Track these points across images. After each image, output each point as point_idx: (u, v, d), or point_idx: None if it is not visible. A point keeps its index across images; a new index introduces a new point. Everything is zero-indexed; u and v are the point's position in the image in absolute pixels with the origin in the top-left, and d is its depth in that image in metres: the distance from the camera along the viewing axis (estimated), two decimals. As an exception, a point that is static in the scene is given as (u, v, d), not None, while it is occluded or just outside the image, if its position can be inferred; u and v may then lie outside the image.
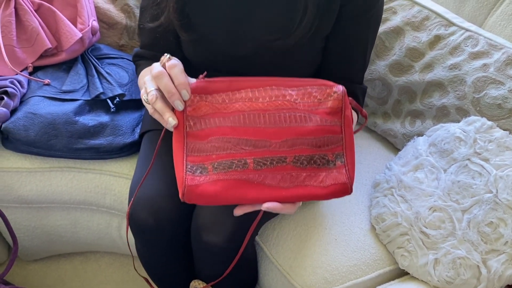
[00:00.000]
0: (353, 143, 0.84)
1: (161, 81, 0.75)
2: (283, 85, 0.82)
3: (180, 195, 0.78)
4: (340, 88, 0.83)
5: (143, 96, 0.79)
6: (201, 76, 0.80)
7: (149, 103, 0.78)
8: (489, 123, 1.05)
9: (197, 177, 0.79)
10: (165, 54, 0.78)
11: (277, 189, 0.80)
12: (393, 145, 1.30)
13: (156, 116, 0.79)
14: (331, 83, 0.83)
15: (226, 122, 0.80)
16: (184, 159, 0.79)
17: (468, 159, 1.02)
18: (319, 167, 0.82)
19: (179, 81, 0.76)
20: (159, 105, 0.77)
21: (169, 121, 0.77)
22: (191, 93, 0.78)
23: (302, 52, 0.97)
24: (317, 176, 0.82)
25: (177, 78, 0.76)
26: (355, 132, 0.89)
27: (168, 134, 0.83)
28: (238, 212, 0.80)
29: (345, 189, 0.83)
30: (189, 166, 0.79)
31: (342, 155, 0.84)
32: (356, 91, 1.04)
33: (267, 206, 0.78)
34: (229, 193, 0.78)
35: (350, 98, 0.83)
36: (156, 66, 0.77)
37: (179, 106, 0.77)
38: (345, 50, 1.00)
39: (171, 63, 0.76)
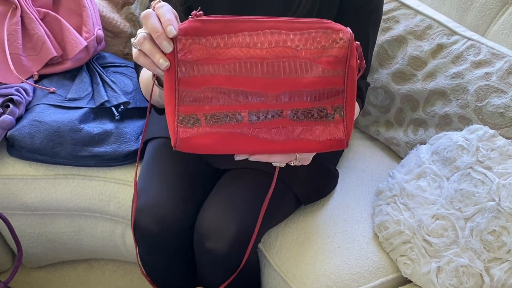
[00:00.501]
0: (355, 96, 0.78)
1: (148, 21, 0.69)
2: (284, 27, 0.74)
3: (172, 145, 0.76)
4: (347, 33, 0.74)
5: (132, 40, 0.74)
6: (194, 12, 0.73)
7: (136, 47, 0.72)
8: (492, 131, 1.06)
9: (189, 129, 0.75)
10: None
11: (271, 142, 0.76)
12: (396, 153, 1.31)
13: (141, 61, 0.72)
14: (337, 26, 0.75)
15: (221, 70, 0.73)
16: (176, 109, 0.74)
17: (471, 168, 1.02)
18: (316, 120, 0.77)
19: (165, 18, 0.69)
20: (148, 46, 0.70)
21: (160, 62, 0.70)
22: (183, 35, 0.71)
23: None
24: (313, 130, 0.77)
25: (163, 15, 0.70)
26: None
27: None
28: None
29: (341, 144, 0.79)
30: (181, 117, 0.75)
31: (342, 108, 0.77)
32: (360, 84, 1.04)
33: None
34: (222, 146, 0.76)
35: (357, 42, 0.75)
36: (146, 10, 0.72)
37: (167, 47, 0.69)
38: None
39: (159, 4, 0.71)
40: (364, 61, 0.76)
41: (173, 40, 0.70)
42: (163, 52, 0.71)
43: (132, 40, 0.73)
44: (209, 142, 0.76)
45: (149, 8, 0.74)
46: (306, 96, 0.75)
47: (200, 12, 0.73)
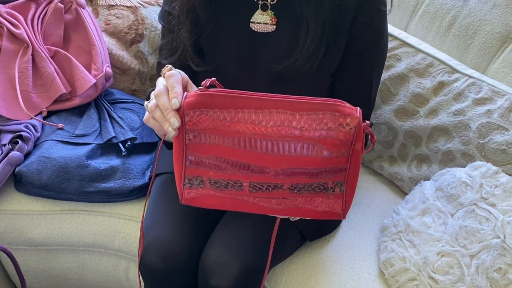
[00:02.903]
0: (357, 175, 0.78)
1: (159, 99, 0.76)
2: (291, 108, 0.73)
3: (179, 200, 0.82)
4: (354, 119, 0.73)
5: (145, 103, 0.80)
6: (204, 83, 0.75)
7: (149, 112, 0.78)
8: (495, 168, 1.06)
9: (194, 189, 0.80)
10: (167, 65, 0.79)
11: (271, 209, 0.80)
12: (400, 188, 1.31)
13: (151, 124, 0.78)
14: (346, 109, 0.73)
15: (226, 142, 0.76)
16: (183, 171, 0.79)
17: (475, 204, 1.03)
18: (316, 192, 0.78)
19: (173, 90, 0.75)
20: (159, 114, 0.76)
21: (169, 130, 0.75)
22: (191, 109, 0.74)
23: (312, 88, 1.01)
24: (312, 200, 0.79)
25: (171, 87, 0.76)
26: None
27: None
28: None
29: (338, 216, 0.80)
30: (187, 180, 0.79)
31: (342, 183, 0.78)
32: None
33: None
34: (224, 207, 0.81)
35: (365, 122, 0.74)
36: (159, 82, 0.78)
37: (174, 123, 0.74)
38: (351, 85, 1.03)
39: (169, 73, 0.77)
40: (375, 137, 0.75)
41: (181, 111, 0.75)
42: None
43: (145, 103, 0.79)
44: (212, 203, 0.81)
45: (159, 75, 0.80)
46: (307, 173, 0.76)
47: (213, 78, 0.76)
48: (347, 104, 0.74)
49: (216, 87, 0.78)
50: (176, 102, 0.74)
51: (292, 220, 0.86)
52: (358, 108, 0.74)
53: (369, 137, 0.75)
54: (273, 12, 0.98)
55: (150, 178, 1.19)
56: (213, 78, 0.76)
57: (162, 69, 0.78)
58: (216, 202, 0.81)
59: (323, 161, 0.75)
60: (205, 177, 0.79)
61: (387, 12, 1.01)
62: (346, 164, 0.76)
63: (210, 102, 0.74)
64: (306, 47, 0.95)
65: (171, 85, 0.76)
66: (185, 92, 0.77)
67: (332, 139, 0.73)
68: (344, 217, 0.80)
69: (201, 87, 0.74)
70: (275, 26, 0.98)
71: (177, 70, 0.79)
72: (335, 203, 0.79)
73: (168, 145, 1.01)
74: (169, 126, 0.75)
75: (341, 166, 0.76)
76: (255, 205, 0.79)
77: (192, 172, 0.79)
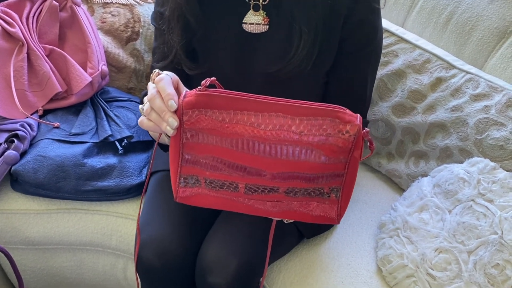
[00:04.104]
0: (354, 182, 0.78)
1: (154, 103, 0.74)
2: (291, 112, 0.72)
3: (174, 198, 0.81)
4: (354, 127, 0.72)
5: (140, 106, 0.80)
6: (203, 82, 0.74)
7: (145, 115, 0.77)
8: (492, 164, 1.06)
9: (189, 188, 0.79)
10: (154, 70, 0.78)
11: (265, 212, 0.80)
12: (398, 185, 1.31)
13: (145, 125, 0.77)
14: (347, 116, 0.72)
15: (223, 143, 0.75)
16: (179, 170, 0.78)
17: (473, 200, 1.02)
18: (312, 197, 0.78)
19: (165, 93, 0.73)
20: (154, 116, 0.75)
21: (167, 130, 0.74)
22: (189, 109, 0.73)
23: (306, 86, 1.01)
24: (308, 204, 0.79)
25: (163, 90, 0.74)
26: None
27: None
28: None
29: (332, 221, 0.80)
30: (182, 178, 0.79)
31: (339, 189, 0.78)
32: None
33: None
34: (219, 206, 0.81)
35: (365, 130, 0.73)
36: (149, 87, 0.77)
37: (172, 123, 0.73)
38: (345, 83, 1.02)
39: (158, 78, 0.75)
40: (373, 145, 0.75)
41: (180, 110, 0.73)
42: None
43: (140, 107, 0.78)
44: (207, 203, 0.80)
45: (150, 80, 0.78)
46: (304, 178, 0.76)
47: (213, 78, 0.75)
48: (348, 111, 0.73)
49: (216, 87, 0.77)
50: (173, 104, 0.73)
51: (286, 222, 0.86)
52: (359, 115, 0.73)
53: (368, 144, 0.75)
54: (265, 12, 0.98)
55: (147, 176, 1.19)
56: (213, 78, 0.75)
57: (151, 75, 0.77)
58: (210, 202, 0.80)
59: (321, 166, 0.74)
60: (201, 177, 0.78)
61: (381, 8, 1.01)
62: (343, 170, 0.75)
63: (209, 102, 0.73)
64: (300, 50, 0.94)
65: (162, 88, 0.74)
66: (184, 91, 0.76)
67: (330, 145, 0.73)
68: (338, 223, 0.80)
69: (200, 87, 0.73)
70: (267, 26, 0.98)
71: (166, 72, 0.77)
72: (330, 209, 0.79)
73: (164, 147, 1.01)
74: (167, 126, 0.74)
75: (338, 172, 0.76)
76: (249, 207, 0.79)
77: (188, 171, 0.78)
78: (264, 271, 0.91)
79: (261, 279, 1.09)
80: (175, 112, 0.73)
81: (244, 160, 0.75)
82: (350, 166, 0.75)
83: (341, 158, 0.74)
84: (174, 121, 0.73)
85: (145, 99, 0.77)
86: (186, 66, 1.00)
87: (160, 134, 0.81)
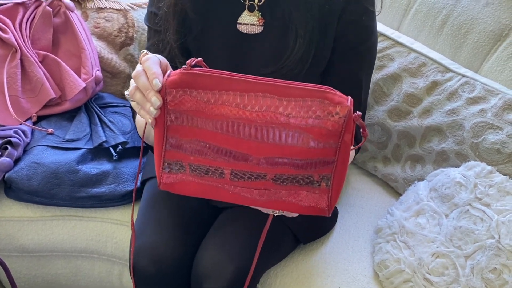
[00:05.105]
0: (345, 170, 0.74)
1: (138, 80, 0.73)
2: (279, 92, 0.69)
3: (158, 185, 0.79)
4: (344, 108, 0.69)
5: (125, 92, 0.78)
6: (188, 62, 0.72)
7: (131, 99, 0.76)
8: (489, 168, 1.06)
9: (174, 174, 0.76)
10: (142, 50, 0.77)
11: (252, 200, 0.76)
12: (394, 189, 1.30)
13: (134, 106, 0.76)
14: (336, 98, 0.69)
15: (208, 125, 0.72)
16: (163, 155, 0.76)
17: (469, 204, 1.02)
18: (301, 185, 0.74)
19: (150, 72, 0.72)
20: (138, 96, 0.73)
21: (151, 110, 0.72)
22: (173, 88, 0.71)
23: None
24: (297, 193, 0.75)
25: (149, 69, 0.72)
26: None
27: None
28: None
29: (322, 213, 0.76)
30: (166, 164, 0.76)
31: (329, 177, 0.73)
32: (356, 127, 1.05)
33: None
34: (203, 194, 0.77)
35: (356, 113, 0.70)
36: (136, 67, 0.76)
37: (155, 102, 0.71)
38: (339, 85, 1.01)
39: (145, 57, 0.74)
40: (366, 131, 0.72)
41: (163, 90, 0.71)
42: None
43: (125, 92, 0.77)
44: (191, 190, 0.77)
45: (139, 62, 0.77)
46: (292, 164, 0.72)
47: (199, 59, 0.74)
48: (338, 92, 0.70)
49: (202, 68, 0.74)
50: (157, 82, 0.71)
51: (275, 214, 0.82)
52: (350, 97, 0.70)
53: (360, 130, 0.71)
54: (260, 13, 0.97)
55: (141, 183, 1.18)
56: (199, 58, 0.73)
57: (139, 56, 0.76)
58: (195, 189, 0.77)
59: (310, 151, 0.71)
60: (185, 162, 0.75)
61: (377, 13, 1.00)
62: (334, 156, 0.71)
63: (194, 82, 0.71)
64: (295, 53, 0.94)
65: (148, 67, 0.73)
66: (169, 70, 0.74)
67: (320, 128, 0.69)
68: (329, 214, 0.76)
69: (185, 66, 0.72)
70: (262, 27, 0.97)
71: (155, 54, 0.76)
72: (320, 198, 0.75)
73: (153, 148, 1.00)
74: (151, 106, 0.72)
75: (328, 159, 0.72)
76: (235, 195, 0.76)
77: (172, 156, 0.76)
78: (250, 270, 0.89)
79: (258, 285, 1.09)
80: (159, 92, 0.71)
81: (229, 144, 0.72)
82: (341, 151, 0.71)
83: (331, 143, 0.70)
84: (157, 100, 0.71)
85: (132, 77, 0.75)
86: (180, 64, 0.99)
87: (145, 129, 0.79)
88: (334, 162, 0.72)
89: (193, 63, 0.72)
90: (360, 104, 1.05)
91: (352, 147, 0.72)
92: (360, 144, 0.76)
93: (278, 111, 0.70)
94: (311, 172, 0.73)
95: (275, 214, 0.81)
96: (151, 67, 0.72)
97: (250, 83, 0.70)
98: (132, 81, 0.75)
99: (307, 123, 0.70)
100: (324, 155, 0.72)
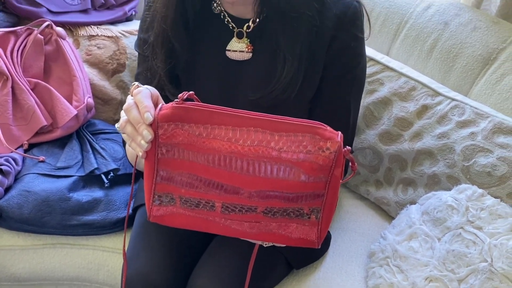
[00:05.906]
0: (335, 203, 0.75)
1: (130, 114, 0.73)
2: (270, 127, 0.71)
3: (147, 217, 0.79)
4: (335, 143, 0.70)
5: (116, 125, 0.78)
6: (180, 96, 0.73)
7: (121, 132, 0.76)
8: (480, 191, 1.06)
9: (164, 207, 0.77)
10: (133, 83, 0.77)
11: (243, 233, 0.77)
12: (387, 212, 1.30)
13: (125, 138, 0.76)
14: (327, 133, 0.71)
15: (200, 158, 0.72)
16: (153, 188, 0.76)
17: (462, 228, 1.02)
18: (291, 218, 0.75)
19: (142, 105, 0.72)
20: (129, 129, 0.73)
21: (141, 143, 0.72)
22: (165, 122, 0.72)
23: (291, 114, 1.00)
24: (287, 226, 0.76)
25: (140, 102, 0.72)
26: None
27: None
28: None
29: (312, 245, 0.77)
30: (156, 196, 0.76)
31: (319, 210, 0.74)
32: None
33: None
34: (194, 227, 0.78)
35: (346, 148, 0.71)
36: (128, 99, 0.76)
37: (147, 135, 0.71)
38: (328, 110, 1.02)
39: (136, 90, 0.75)
40: (356, 165, 0.73)
41: (155, 123, 0.72)
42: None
43: (116, 125, 0.77)
44: (181, 222, 0.78)
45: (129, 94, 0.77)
46: (283, 197, 0.73)
47: (191, 92, 0.74)
48: (328, 128, 0.72)
49: (194, 101, 0.75)
50: (149, 116, 0.71)
51: (265, 245, 0.82)
52: (340, 132, 0.72)
53: (350, 164, 0.72)
54: (249, 40, 0.98)
55: (133, 210, 1.17)
56: (191, 92, 0.74)
57: (131, 88, 0.76)
58: (185, 221, 0.77)
59: (300, 185, 0.72)
60: (176, 195, 0.76)
61: (365, 38, 1.01)
62: (324, 190, 0.73)
63: (186, 115, 0.71)
64: (283, 77, 0.94)
65: (139, 100, 0.73)
66: (160, 104, 0.74)
67: (310, 163, 0.70)
68: (318, 246, 0.77)
69: (177, 100, 0.72)
70: (251, 54, 0.98)
71: (146, 86, 0.76)
72: (310, 231, 0.76)
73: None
74: (142, 139, 0.72)
75: (319, 192, 0.73)
76: (226, 227, 0.76)
77: (162, 188, 0.76)
78: None
79: None
80: (151, 125, 0.72)
81: (221, 177, 0.73)
82: (331, 185, 0.73)
83: (321, 177, 0.72)
84: (148, 134, 0.72)
85: (122, 110, 0.75)
86: (170, 92, 0.99)
87: (137, 157, 0.78)
88: (324, 195, 0.73)
89: (185, 97, 0.73)
90: (348, 128, 1.05)
91: (341, 180, 0.73)
92: (348, 178, 0.77)
93: (270, 145, 0.70)
94: (301, 205, 0.74)
95: (265, 245, 0.82)
96: (142, 100, 0.73)
97: (242, 118, 0.71)
98: (122, 113, 0.75)
99: (298, 157, 0.70)
100: (314, 189, 0.73)
